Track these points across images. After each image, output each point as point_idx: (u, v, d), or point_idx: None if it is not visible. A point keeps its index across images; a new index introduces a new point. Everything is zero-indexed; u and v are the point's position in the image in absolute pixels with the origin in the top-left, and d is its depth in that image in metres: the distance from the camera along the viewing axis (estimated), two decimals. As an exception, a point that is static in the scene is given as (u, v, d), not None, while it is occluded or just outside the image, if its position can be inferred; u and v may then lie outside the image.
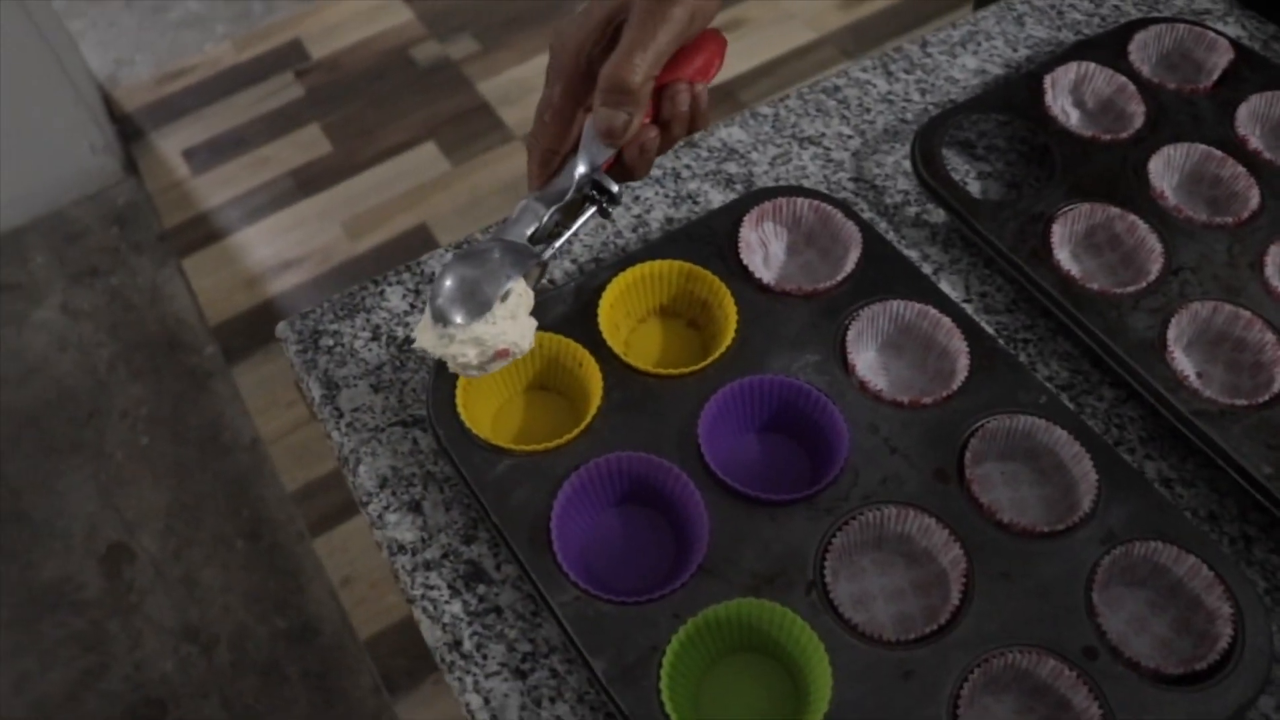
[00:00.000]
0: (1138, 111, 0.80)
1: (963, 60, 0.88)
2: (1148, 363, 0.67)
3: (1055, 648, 0.56)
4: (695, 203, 0.80)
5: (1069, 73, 0.82)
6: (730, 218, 0.72)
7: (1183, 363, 0.68)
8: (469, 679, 0.59)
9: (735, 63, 2.31)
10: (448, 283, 0.59)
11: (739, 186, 0.81)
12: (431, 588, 0.63)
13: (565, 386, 0.67)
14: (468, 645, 0.60)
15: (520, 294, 0.61)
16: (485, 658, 0.60)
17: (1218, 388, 0.68)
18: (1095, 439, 0.63)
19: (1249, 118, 0.79)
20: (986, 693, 0.57)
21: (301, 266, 2.13)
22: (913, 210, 0.79)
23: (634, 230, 0.78)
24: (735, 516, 0.60)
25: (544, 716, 0.58)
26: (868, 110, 0.85)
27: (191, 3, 2.65)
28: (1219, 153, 0.77)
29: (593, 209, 0.63)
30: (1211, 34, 0.84)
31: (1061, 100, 0.82)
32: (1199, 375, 0.68)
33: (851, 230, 0.71)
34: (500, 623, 0.61)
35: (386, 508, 0.66)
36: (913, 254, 0.77)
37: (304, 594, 1.72)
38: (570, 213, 0.63)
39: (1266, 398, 0.65)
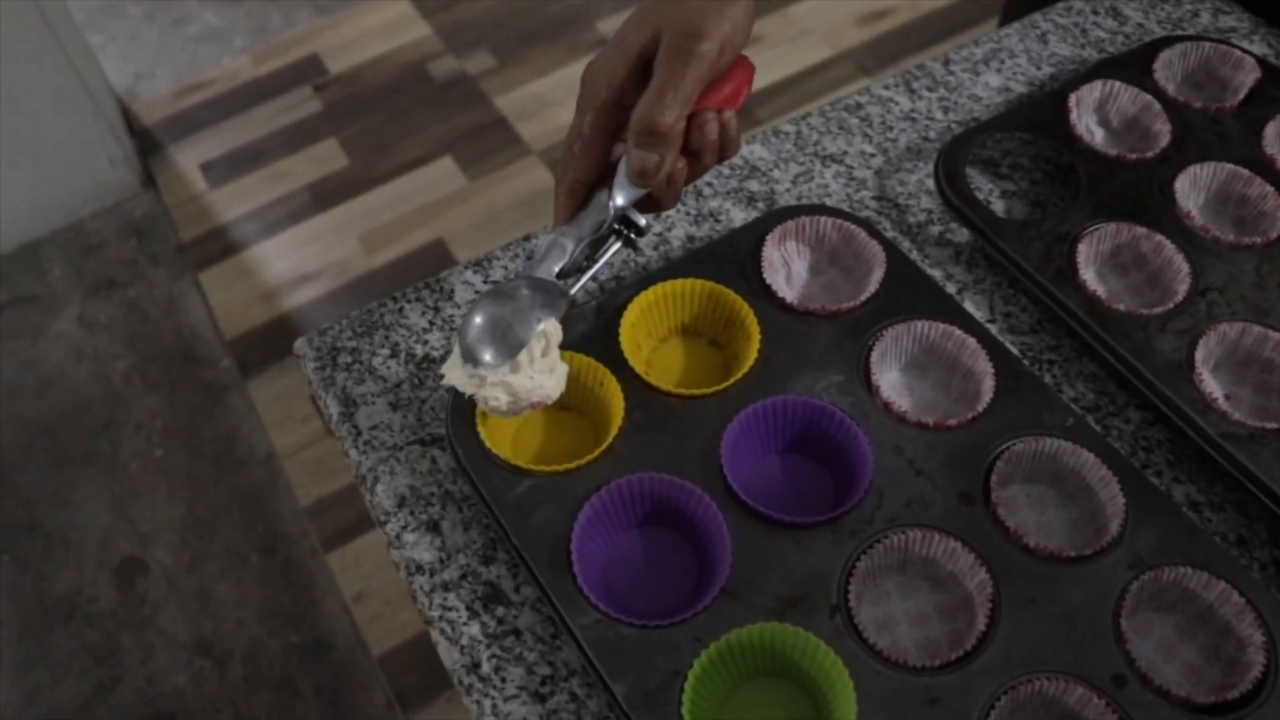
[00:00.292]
0: (1163, 130, 0.79)
1: (986, 78, 0.88)
2: (1176, 385, 0.66)
3: (1083, 675, 0.55)
4: (717, 221, 0.79)
5: (1094, 91, 0.81)
6: (753, 236, 0.72)
7: (1211, 385, 0.67)
8: (487, 702, 0.59)
9: (752, 78, 2.31)
10: (477, 320, 0.59)
11: (761, 205, 0.80)
12: (450, 609, 0.62)
13: (586, 406, 0.67)
14: (486, 668, 0.60)
15: (554, 343, 0.61)
16: (504, 681, 0.59)
17: (1247, 410, 0.67)
18: (1122, 462, 0.62)
19: (1276, 137, 0.78)
20: (1014, 721, 0.56)
21: (318, 280, 2.14)
22: (936, 229, 0.78)
23: (655, 249, 0.78)
24: (758, 539, 0.60)
25: (563, 741, 0.58)
26: (890, 128, 0.85)
27: (210, 17, 2.67)
28: (1246, 172, 0.76)
29: (619, 243, 0.63)
30: (1238, 52, 0.83)
31: (1086, 119, 0.81)
32: (1227, 397, 0.68)
33: (875, 249, 0.71)
34: (519, 645, 0.60)
35: (404, 527, 0.65)
36: (936, 273, 0.76)
37: (317, 609, 1.72)
38: (595, 246, 0.63)
39: (1297, 421, 0.64)
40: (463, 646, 0.61)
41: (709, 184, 0.81)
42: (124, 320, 2.11)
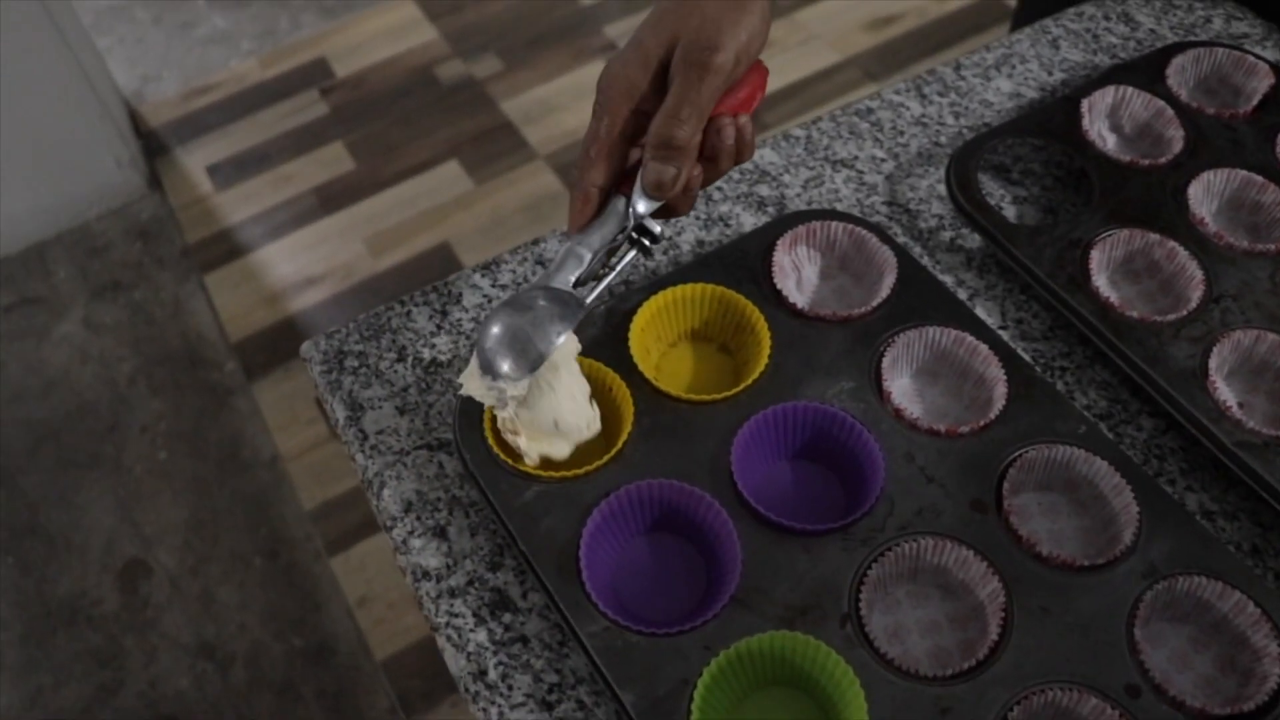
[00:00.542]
0: (1176, 136, 0.78)
1: (997, 83, 0.87)
2: (1189, 392, 0.65)
3: (1096, 685, 0.55)
4: (727, 225, 0.79)
5: (1106, 97, 0.80)
6: (763, 241, 0.71)
7: (1225, 393, 0.66)
8: (494, 710, 0.58)
9: (759, 84, 2.31)
10: (495, 330, 0.59)
11: (771, 209, 0.80)
12: (456, 615, 0.61)
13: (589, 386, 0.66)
14: (493, 675, 0.59)
15: (573, 371, 0.61)
16: (511, 688, 0.59)
17: (1261, 418, 0.66)
18: (1136, 470, 0.61)
19: (1291, 144, 0.78)
20: (1026, 732, 0.55)
21: (323, 284, 2.13)
22: (947, 235, 0.78)
23: (665, 253, 0.77)
24: (768, 546, 0.59)
25: (570, 749, 0.57)
26: (901, 133, 0.84)
27: (218, 20, 2.67)
28: (1260, 178, 0.75)
29: (634, 251, 0.62)
30: (1251, 58, 0.83)
31: (1099, 124, 0.80)
32: (1241, 405, 0.67)
33: (886, 255, 0.70)
34: (526, 652, 0.60)
35: (411, 533, 0.65)
36: (948, 279, 0.75)
37: (321, 613, 1.71)
38: (610, 254, 0.62)
39: (1313, 430, 0.63)
40: (469, 653, 0.60)
41: (719, 188, 0.81)
42: (129, 322, 2.11)
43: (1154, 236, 0.72)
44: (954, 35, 2.41)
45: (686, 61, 0.59)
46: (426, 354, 0.73)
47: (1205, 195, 0.76)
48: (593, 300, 0.61)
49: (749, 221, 0.79)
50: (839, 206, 0.80)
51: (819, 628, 0.57)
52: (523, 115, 2.38)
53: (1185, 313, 0.69)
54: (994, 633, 0.56)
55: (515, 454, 0.63)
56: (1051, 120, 0.79)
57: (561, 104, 2.39)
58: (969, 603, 0.59)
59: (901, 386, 0.68)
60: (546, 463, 0.64)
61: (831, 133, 0.84)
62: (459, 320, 0.75)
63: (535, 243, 0.79)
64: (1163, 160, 0.77)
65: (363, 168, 2.32)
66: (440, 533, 0.65)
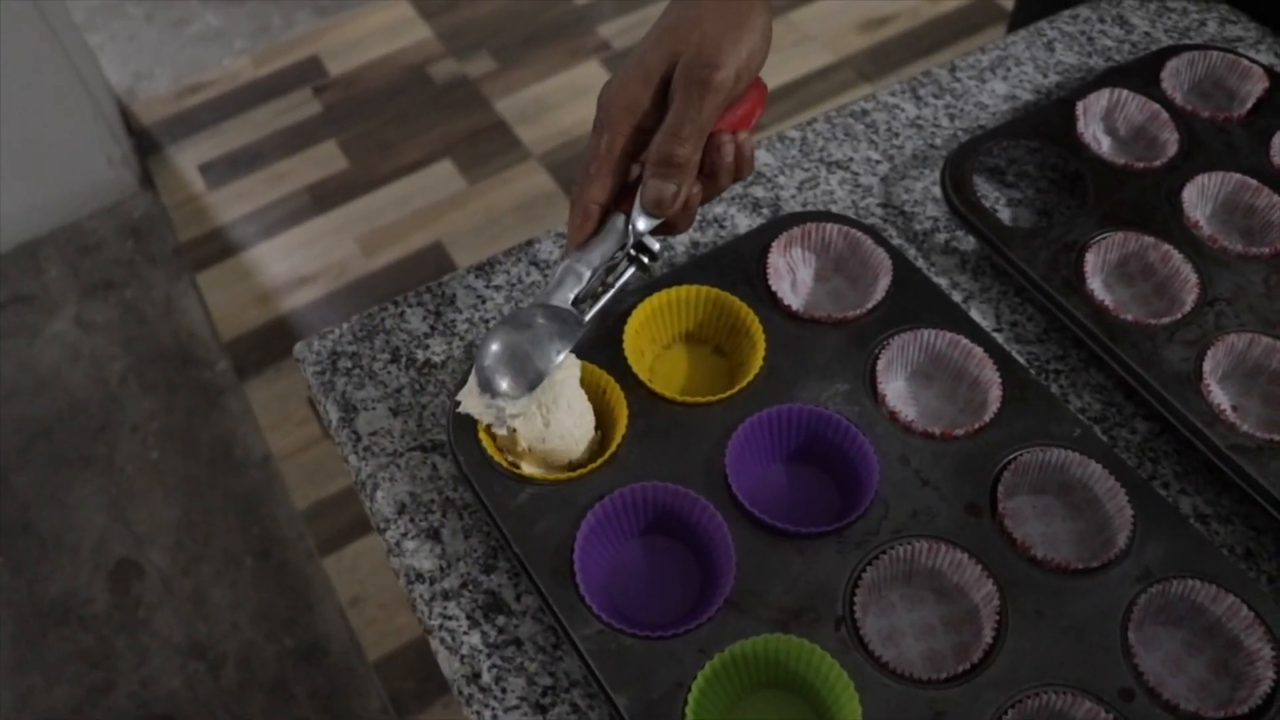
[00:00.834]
0: (1171, 139, 0.78)
1: (992, 85, 0.87)
2: (1183, 396, 0.65)
3: (1091, 689, 0.55)
4: (722, 227, 0.79)
5: (1101, 99, 0.80)
6: (758, 243, 0.71)
7: (1219, 396, 0.66)
8: (487, 713, 0.58)
9: (753, 84, 2.31)
10: (494, 348, 0.60)
11: (766, 211, 0.79)
12: (450, 618, 0.61)
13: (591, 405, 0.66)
14: (486, 678, 0.59)
15: (575, 392, 0.61)
16: (504, 691, 0.59)
17: (1254, 422, 0.66)
18: (1130, 473, 0.61)
19: (1284, 147, 0.78)
20: (1020, 735, 0.55)
21: (316, 283, 2.13)
22: (942, 237, 0.78)
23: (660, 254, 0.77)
24: (762, 549, 0.59)
25: (564, 752, 0.57)
26: (896, 135, 0.84)
27: (211, 18, 2.66)
28: (1254, 182, 0.75)
29: (633, 269, 0.62)
30: (1245, 62, 0.83)
31: (1093, 127, 0.80)
32: (1235, 409, 0.67)
33: (881, 257, 0.70)
34: (520, 655, 0.60)
35: (404, 534, 0.65)
36: (942, 281, 0.75)
37: (313, 613, 1.71)
38: (608, 270, 0.62)
39: (1307, 433, 0.64)
40: (463, 656, 0.60)
41: (713, 190, 0.81)
42: (121, 321, 2.10)
43: (1149, 239, 0.72)
44: (948, 36, 2.41)
45: (687, 79, 0.59)
46: (420, 355, 0.73)
47: (1200, 198, 0.76)
48: (591, 318, 0.61)
49: (744, 223, 0.79)
50: (834, 208, 0.79)
51: (813, 631, 0.56)
52: (517, 114, 2.38)
53: (1180, 316, 0.69)
54: (988, 636, 0.56)
55: (508, 454, 0.63)
56: (1046, 123, 0.79)
57: (555, 103, 2.39)
58: (963, 606, 0.59)
59: (896, 389, 0.68)
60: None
61: (826, 134, 0.84)
62: (453, 321, 0.74)
63: (529, 244, 0.79)
64: (1157, 163, 0.77)
65: (356, 166, 2.32)
66: (434, 535, 0.65)
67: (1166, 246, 0.72)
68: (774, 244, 0.71)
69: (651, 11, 2.54)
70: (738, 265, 0.71)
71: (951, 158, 0.77)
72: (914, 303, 0.69)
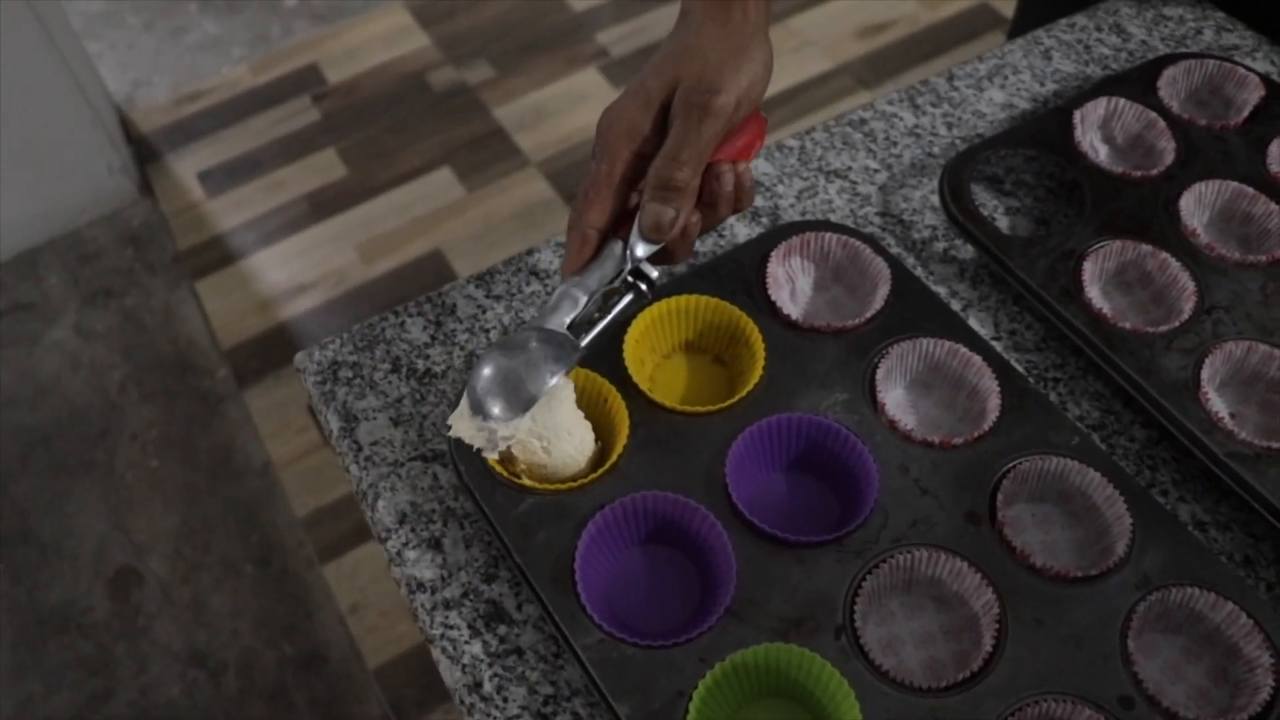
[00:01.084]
0: (1168, 148, 0.79)
1: (990, 94, 0.88)
2: (1181, 404, 0.65)
3: (1090, 697, 0.55)
4: (721, 236, 0.79)
5: (1098, 108, 0.81)
6: (757, 252, 0.72)
7: (1217, 403, 0.67)
8: (489, 722, 0.58)
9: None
10: (486, 372, 0.59)
11: (765, 220, 0.80)
12: (451, 627, 0.61)
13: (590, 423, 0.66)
14: (488, 687, 0.59)
15: (574, 416, 0.61)
16: (506, 700, 0.59)
17: (1252, 429, 0.67)
18: (1128, 481, 0.62)
19: (1281, 155, 0.78)
20: (1020, 743, 0.56)
21: (315, 290, 2.13)
22: (941, 246, 0.78)
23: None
24: (762, 558, 0.59)
25: (566, 761, 0.57)
26: (894, 144, 0.84)
27: (209, 25, 2.66)
28: (1250, 190, 0.76)
29: (630, 295, 0.62)
30: (1241, 70, 0.83)
31: (1091, 136, 0.81)
32: (1233, 416, 0.67)
33: (880, 266, 0.71)
34: (521, 664, 0.60)
35: (405, 544, 0.65)
36: (941, 290, 0.76)
37: (312, 621, 1.71)
38: (608, 298, 0.62)
39: (1304, 441, 0.64)
40: (464, 665, 0.60)
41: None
42: (120, 329, 2.11)
43: (1146, 248, 0.73)
44: (945, 43, 2.42)
45: (687, 103, 0.59)
46: (421, 365, 0.73)
47: (1197, 207, 0.76)
48: (588, 344, 0.61)
49: (743, 232, 0.79)
50: (833, 217, 0.80)
51: (813, 639, 0.57)
52: (515, 122, 2.38)
53: (1177, 324, 0.69)
54: (988, 644, 0.56)
55: (509, 466, 0.63)
56: (1044, 131, 0.80)
57: (554, 110, 2.39)
58: (963, 614, 0.59)
59: (895, 398, 0.68)
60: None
61: (825, 143, 0.85)
62: (453, 331, 0.75)
63: (529, 253, 0.79)
64: (1154, 172, 0.77)
65: (355, 174, 2.32)
66: (435, 544, 0.65)
67: (1164, 255, 0.72)
68: (773, 253, 0.71)
69: (649, 19, 2.55)
70: (737, 274, 0.71)
71: (949, 167, 0.77)
72: (913, 311, 0.69)
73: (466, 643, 0.61)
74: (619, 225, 0.62)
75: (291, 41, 2.61)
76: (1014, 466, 0.63)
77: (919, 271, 0.77)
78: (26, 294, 2.18)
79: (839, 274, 0.73)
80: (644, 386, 0.65)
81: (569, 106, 2.40)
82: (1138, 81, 0.83)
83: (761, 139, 0.65)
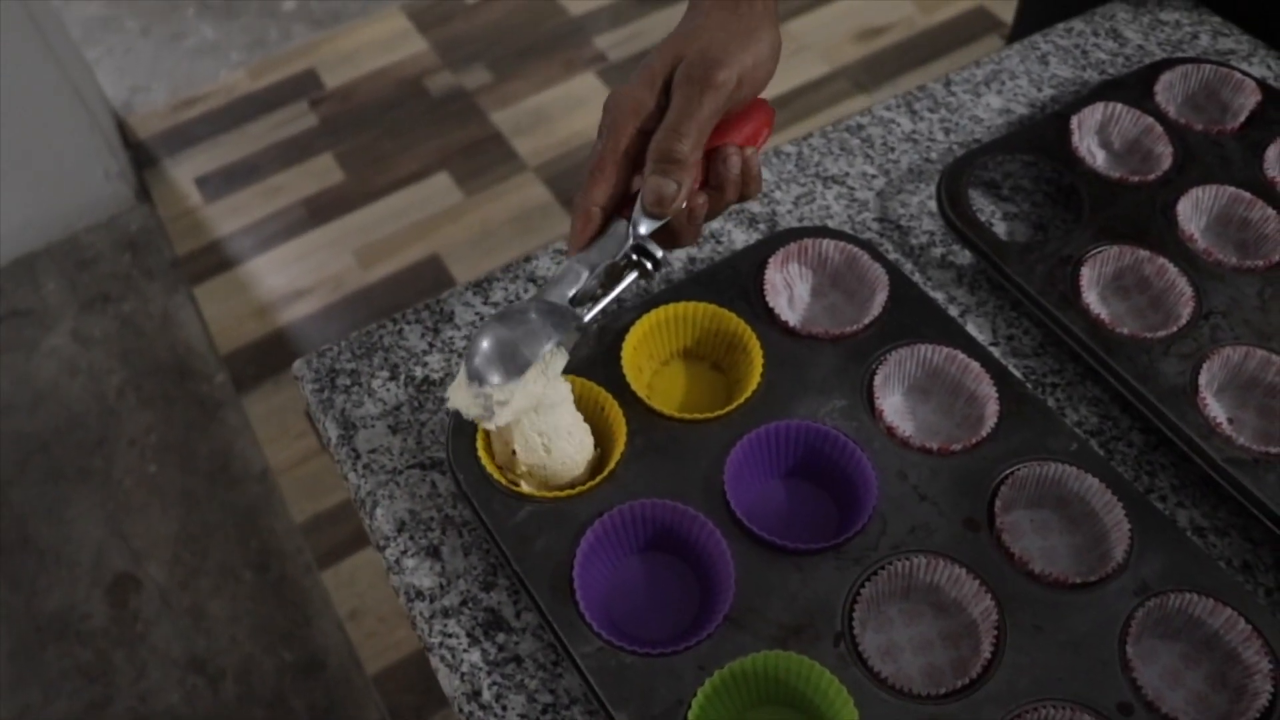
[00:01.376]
0: (1165, 153, 0.79)
1: (987, 99, 0.88)
2: (1179, 409, 0.65)
3: (1089, 703, 0.55)
4: (719, 242, 0.79)
5: (1095, 113, 0.81)
6: (755, 259, 0.72)
7: (1215, 409, 0.67)
8: (488, 730, 0.58)
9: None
10: (484, 343, 0.59)
11: (762, 226, 0.80)
12: (450, 635, 0.61)
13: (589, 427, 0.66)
14: (487, 695, 0.59)
15: (555, 365, 0.61)
16: (505, 709, 0.59)
17: (1250, 434, 0.67)
18: (1127, 487, 0.62)
19: (1277, 160, 0.78)
20: (1020, 750, 0.56)
21: (313, 295, 2.13)
22: (938, 251, 0.78)
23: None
24: (761, 565, 0.59)
25: (565, 770, 0.57)
26: (892, 149, 0.84)
27: (207, 31, 2.66)
28: (1248, 195, 0.76)
29: (635, 274, 0.62)
30: (1238, 75, 0.83)
31: (1088, 141, 0.81)
32: (1231, 422, 0.67)
33: (878, 272, 0.71)
34: (520, 672, 0.60)
35: (404, 552, 0.65)
36: (939, 295, 0.76)
37: (311, 627, 1.71)
38: (613, 276, 0.62)
39: (1302, 446, 0.64)
40: (463, 674, 0.60)
41: (710, 205, 0.81)
42: (118, 335, 2.10)
43: (1144, 253, 0.73)
44: (942, 46, 2.42)
45: (689, 77, 0.59)
46: (419, 372, 0.73)
47: (1194, 211, 0.76)
48: (590, 319, 0.61)
49: (740, 239, 0.79)
50: (830, 223, 0.80)
51: (812, 647, 0.57)
52: (513, 126, 2.38)
53: (1175, 329, 0.69)
54: (987, 651, 0.56)
55: (508, 473, 0.63)
56: (1041, 137, 0.80)
57: (551, 115, 2.39)
58: (962, 621, 0.59)
59: (893, 404, 0.68)
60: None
61: (822, 149, 0.85)
62: (451, 338, 0.75)
63: (527, 260, 0.79)
64: (1152, 177, 0.77)
65: (352, 179, 2.32)
66: (433, 552, 0.65)
67: (1162, 260, 0.72)
68: (771, 260, 0.71)
69: (647, 24, 2.55)
70: (735, 281, 0.71)
71: (947, 172, 0.77)
72: (911, 318, 0.69)
73: (465, 651, 0.61)
74: (624, 205, 0.62)
75: (289, 46, 2.61)
76: (1012, 472, 0.63)
77: (917, 277, 0.77)
78: (24, 300, 2.18)
79: (837, 280, 0.73)
80: (642, 394, 0.65)
81: (567, 111, 2.40)
82: (1135, 86, 0.83)
83: (769, 128, 0.65)
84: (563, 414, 0.61)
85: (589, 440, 0.63)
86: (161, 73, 2.59)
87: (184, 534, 1.83)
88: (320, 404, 0.72)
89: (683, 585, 0.61)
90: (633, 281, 0.62)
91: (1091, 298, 0.71)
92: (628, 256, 0.61)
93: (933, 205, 0.81)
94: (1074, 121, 0.80)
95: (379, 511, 0.67)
